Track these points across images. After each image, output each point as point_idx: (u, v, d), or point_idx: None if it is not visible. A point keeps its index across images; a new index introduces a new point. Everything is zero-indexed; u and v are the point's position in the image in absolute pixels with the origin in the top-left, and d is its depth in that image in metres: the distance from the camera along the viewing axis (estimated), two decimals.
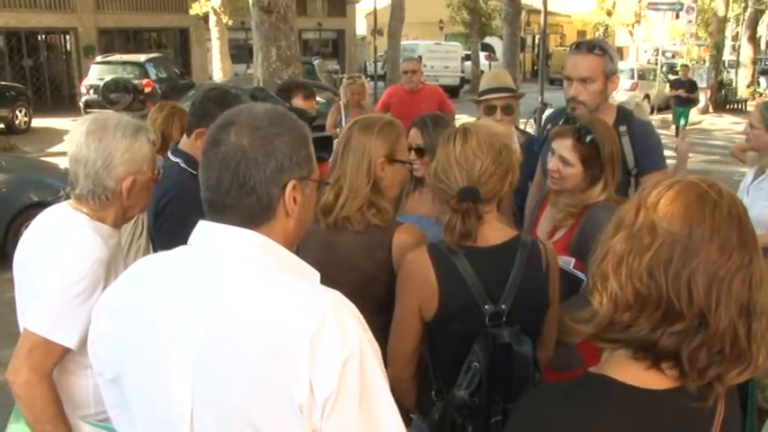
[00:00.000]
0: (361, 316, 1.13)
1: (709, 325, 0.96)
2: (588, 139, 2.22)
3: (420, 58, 7.82)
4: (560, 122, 2.36)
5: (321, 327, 1.05)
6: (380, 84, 23.72)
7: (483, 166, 1.76)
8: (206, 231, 1.19)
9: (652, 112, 18.50)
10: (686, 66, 18.24)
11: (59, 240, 1.70)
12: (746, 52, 22.41)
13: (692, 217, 0.99)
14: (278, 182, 1.17)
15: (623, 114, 2.82)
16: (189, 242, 1.20)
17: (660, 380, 1.00)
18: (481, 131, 1.81)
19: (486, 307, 1.74)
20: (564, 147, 2.27)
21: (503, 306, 1.75)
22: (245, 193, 1.15)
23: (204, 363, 1.10)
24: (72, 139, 1.77)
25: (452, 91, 24.99)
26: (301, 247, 2.09)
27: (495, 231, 1.82)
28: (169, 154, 2.76)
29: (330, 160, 2.12)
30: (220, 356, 1.09)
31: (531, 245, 1.84)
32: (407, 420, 2.01)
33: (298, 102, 3.24)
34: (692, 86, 16.01)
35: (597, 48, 2.74)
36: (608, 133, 2.29)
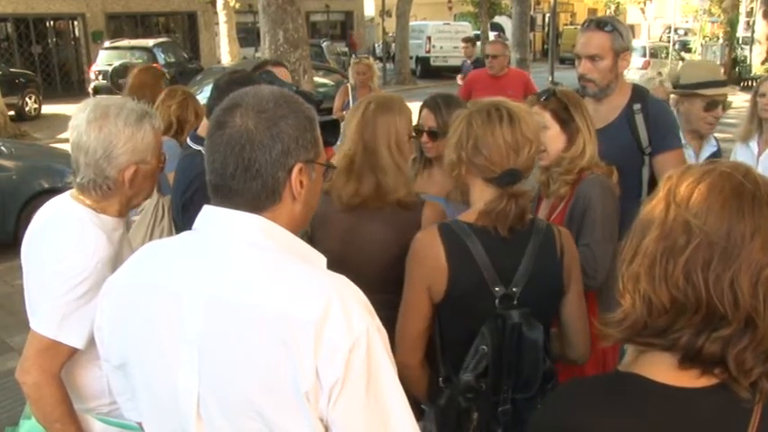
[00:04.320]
0: (367, 301, 1.11)
1: (757, 326, 0.91)
2: (547, 94, 2.32)
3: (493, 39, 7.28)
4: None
5: (326, 313, 1.04)
6: (390, 66, 23.59)
7: (530, 149, 1.76)
8: (210, 216, 1.18)
9: None
10: (469, 39, 11.27)
11: (63, 239, 1.67)
12: (761, 28, 22.02)
13: (730, 214, 0.92)
14: (284, 165, 1.15)
15: (638, 92, 2.79)
16: (193, 227, 1.19)
17: (695, 378, 0.95)
18: (522, 113, 1.80)
19: (497, 289, 1.72)
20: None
21: (514, 289, 1.73)
22: (250, 177, 1.13)
23: (209, 349, 1.09)
24: (73, 125, 1.72)
25: (461, 71, 24.79)
26: (319, 232, 2.08)
27: None
28: (189, 141, 2.74)
29: (339, 143, 2.12)
30: (224, 343, 1.08)
31: (546, 230, 1.82)
32: (419, 413, 1.99)
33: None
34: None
35: (608, 25, 2.71)
36: (567, 90, 2.38)
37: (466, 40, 10.74)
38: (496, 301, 1.73)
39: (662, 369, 0.96)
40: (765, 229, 0.92)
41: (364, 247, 1.98)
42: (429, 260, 1.76)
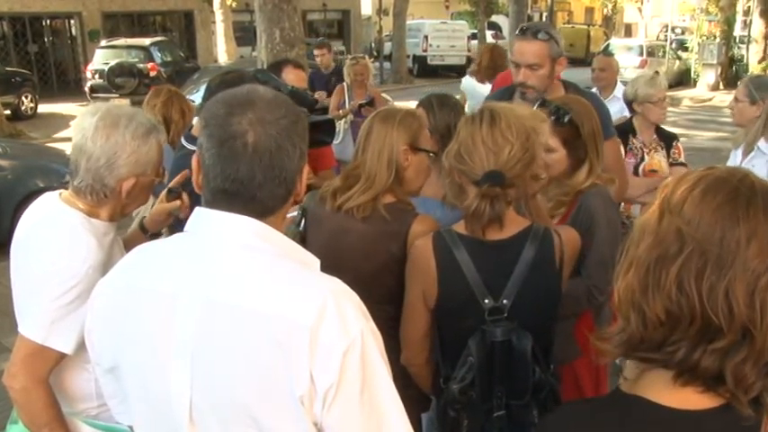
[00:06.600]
0: (362, 304, 1.10)
1: (754, 338, 0.86)
2: (566, 119, 2.15)
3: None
4: (535, 107, 2.33)
5: (321, 316, 1.03)
6: (387, 64, 23.58)
7: (512, 150, 1.70)
8: (203, 218, 1.16)
9: None
10: (324, 45, 7.81)
11: (54, 243, 1.64)
12: (758, 27, 21.99)
13: (723, 220, 0.87)
14: (300, 169, 1.16)
15: (570, 88, 2.87)
16: (186, 229, 1.18)
17: (700, 399, 0.91)
18: (509, 114, 1.75)
19: (486, 301, 1.70)
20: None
21: (504, 301, 1.70)
22: (276, 185, 1.13)
23: (202, 352, 1.08)
24: (80, 127, 1.70)
25: (459, 70, 24.82)
26: (310, 232, 2.08)
27: (507, 222, 1.75)
28: (183, 141, 2.71)
29: (353, 152, 2.11)
30: (218, 346, 1.07)
31: (543, 236, 1.76)
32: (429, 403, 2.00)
33: (289, 73, 3.20)
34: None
35: (542, 33, 2.73)
36: (585, 110, 2.23)
37: (321, 45, 7.71)
38: (486, 313, 1.71)
39: (666, 390, 0.92)
40: (762, 234, 0.87)
41: (352, 253, 1.97)
42: (422, 268, 1.77)
